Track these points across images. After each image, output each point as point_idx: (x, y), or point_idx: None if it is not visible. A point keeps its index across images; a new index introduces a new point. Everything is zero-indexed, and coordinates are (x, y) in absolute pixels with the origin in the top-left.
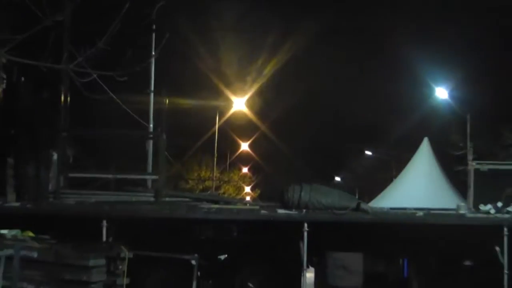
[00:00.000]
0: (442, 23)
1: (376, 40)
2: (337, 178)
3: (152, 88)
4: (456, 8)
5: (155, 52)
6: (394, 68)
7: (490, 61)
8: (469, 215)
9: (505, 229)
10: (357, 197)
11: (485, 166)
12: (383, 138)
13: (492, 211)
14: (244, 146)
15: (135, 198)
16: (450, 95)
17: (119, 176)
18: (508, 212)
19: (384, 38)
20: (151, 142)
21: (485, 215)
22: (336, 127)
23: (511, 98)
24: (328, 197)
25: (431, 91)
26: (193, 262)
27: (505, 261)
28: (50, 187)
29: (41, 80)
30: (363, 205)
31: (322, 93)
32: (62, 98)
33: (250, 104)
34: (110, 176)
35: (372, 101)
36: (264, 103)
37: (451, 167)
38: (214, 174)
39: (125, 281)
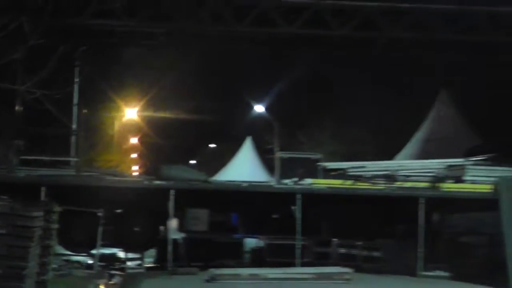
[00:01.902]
0: (264, 65)
1: (224, 74)
2: (192, 161)
3: (76, 102)
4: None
5: (78, 79)
6: (235, 93)
7: (289, 87)
8: (276, 185)
9: (298, 195)
10: (204, 173)
11: (286, 155)
12: (224, 135)
13: (290, 183)
14: (133, 140)
15: (63, 172)
16: (265, 110)
17: (53, 158)
18: (300, 184)
19: (229, 73)
20: (74, 137)
21: (285, 186)
22: (196, 128)
23: (303, 111)
24: (186, 173)
25: (253, 107)
26: (100, 214)
27: (298, 215)
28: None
29: (3, 97)
30: (208, 179)
31: (187, 107)
32: (17, 107)
33: (139, 113)
34: (46, 158)
35: (219, 112)
36: (148, 113)
37: (265, 156)
38: (114, 157)
39: (56, 226)
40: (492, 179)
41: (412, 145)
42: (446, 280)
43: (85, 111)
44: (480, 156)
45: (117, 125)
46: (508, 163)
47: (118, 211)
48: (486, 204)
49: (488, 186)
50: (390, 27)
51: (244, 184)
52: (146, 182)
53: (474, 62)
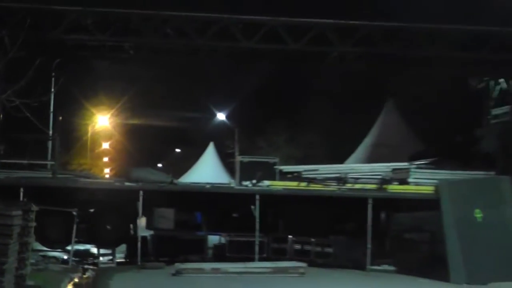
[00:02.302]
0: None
1: (189, 85)
2: (159, 165)
3: (52, 110)
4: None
5: (54, 89)
6: (199, 102)
7: (248, 96)
8: (236, 187)
9: (257, 196)
10: (171, 176)
11: (245, 159)
12: (189, 141)
13: (250, 185)
14: (105, 145)
15: (40, 175)
16: (227, 117)
17: (31, 161)
18: (258, 186)
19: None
20: (50, 142)
21: (245, 187)
22: (163, 134)
23: (262, 118)
24: (154, 175)
25: (215, 115)
26: (74, 213)
27: (256, 214)
28: None
29: None
30: (174, 181)
31: (155, 115)
32: None
33: (110, 120)
34: (25, 161)
35: (185, 119)
36: (118, 120)
37: (226, 159)
38: (87, 161)
39: (34, 224)
40: (434, 181)
41: (361, 150)
42: (392, 274)
43: (60, 118)
44: (423, 160)
45: (90, 131)
46: (448, 166)
47: (91, 210)
48: (429, 204)
49: (430, 188)
50: (341, 42)
51: (207, 186)
52: (116, 184)
53: (416, 75)
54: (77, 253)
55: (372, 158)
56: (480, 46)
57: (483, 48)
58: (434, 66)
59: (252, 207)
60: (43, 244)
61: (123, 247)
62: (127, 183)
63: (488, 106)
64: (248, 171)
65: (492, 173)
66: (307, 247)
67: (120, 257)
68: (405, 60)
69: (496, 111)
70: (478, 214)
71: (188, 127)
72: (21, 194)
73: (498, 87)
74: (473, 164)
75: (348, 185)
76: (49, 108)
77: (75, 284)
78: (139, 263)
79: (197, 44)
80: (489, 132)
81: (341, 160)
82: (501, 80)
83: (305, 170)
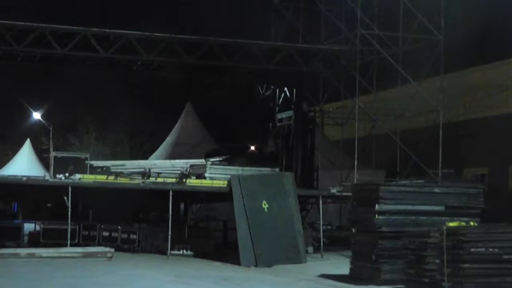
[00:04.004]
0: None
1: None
2: None
3: None
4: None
5: None
6: (16, 102)
7: (62, 98)
8: (50, 179)
9: (69, 187)
10: None
11: (59, 154)
12: (8, 138)
13: (63, 178)
14: None
15: None
16: (42, 116)
17: None
18: (71, 178)
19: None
20: None
21: (58, 180)
22: None
23: (74, 117)
24: None
25: (32, 114)
26: None
27: (68, 204)
28: None
29: None
30: None
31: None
32: None
33: None
34: None
35: (3, 117)
36: None
37: (42, 155)
38: None
39: None
40: (227, 176)
41: (163, 148)
42: (189, 257)
43: None
44: (217, 157)
45: None
46: (238, 163)
47: None
48: (222, 196)
49: (224, 182)
50: (146, 51)
51: (24, 178)
52: None
53: (214, 82)
54: None
55: (172, 155)
56: (269, 59)
57: (271, 61)
58: (229, 75)
59: (65, 197)
60: None
61: None
62: None
63: (274, 111)
64: (62, 165)
65: (277, 169)
66: (115, 234)
67: None
68: (204, 69)
69: (280, 115)
70: (265, 205)
71: (6, 125)
72: None
73: (282, 95)
74: (261, 161)
75: (151, 179)
76: None
77: None
78: None
79: (15, 50)
80: (275, 134)
81: (145, 157)
82: (285, 88)
83: (113, 165)
